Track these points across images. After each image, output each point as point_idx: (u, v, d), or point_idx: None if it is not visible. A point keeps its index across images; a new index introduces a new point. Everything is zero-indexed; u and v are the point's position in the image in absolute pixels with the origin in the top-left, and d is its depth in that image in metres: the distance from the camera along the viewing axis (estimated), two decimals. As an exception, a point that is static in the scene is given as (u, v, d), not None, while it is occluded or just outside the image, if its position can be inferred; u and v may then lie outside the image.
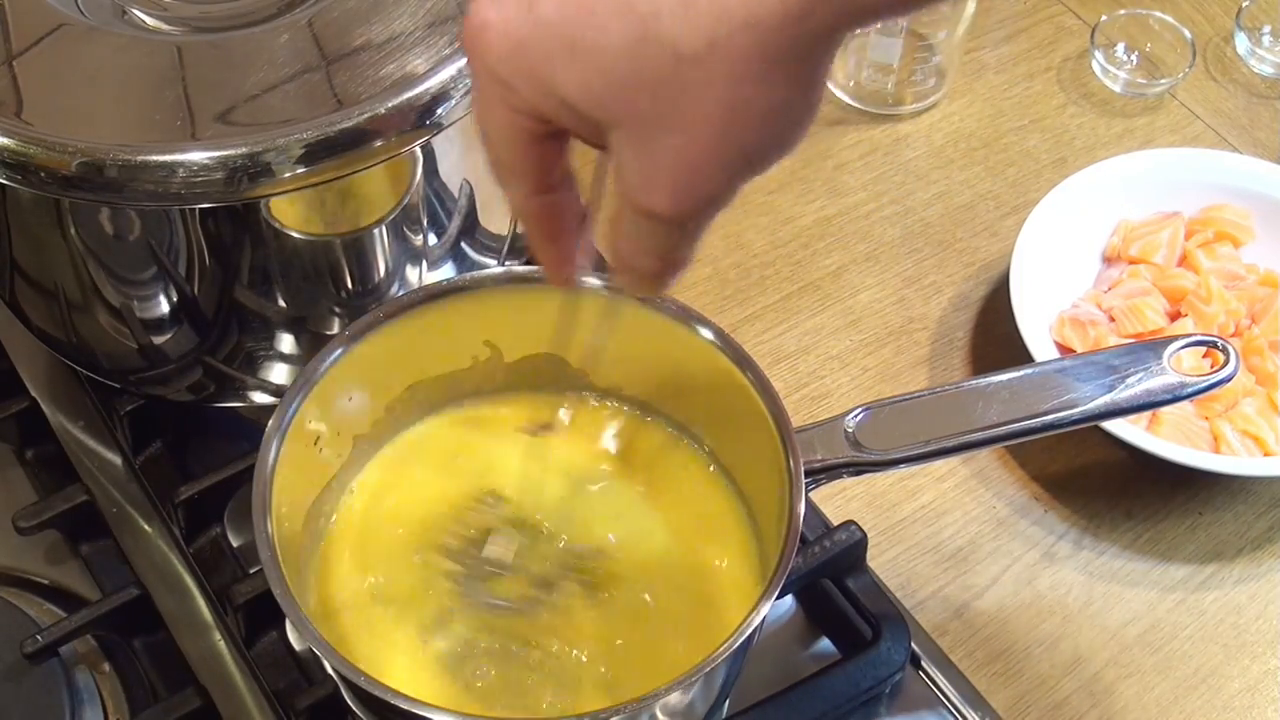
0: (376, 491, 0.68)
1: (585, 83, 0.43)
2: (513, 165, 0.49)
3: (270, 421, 0.62)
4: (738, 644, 0.56)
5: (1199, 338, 0.65)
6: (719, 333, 0.64)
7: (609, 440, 0.70)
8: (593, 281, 0.61)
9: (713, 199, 0.45)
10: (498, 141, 0.48)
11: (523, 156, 0.48)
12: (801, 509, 0.59)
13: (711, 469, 0.69)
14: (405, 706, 0.54)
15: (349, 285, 0.71)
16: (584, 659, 0.63)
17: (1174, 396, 0.63)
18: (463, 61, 0.65)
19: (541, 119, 0.46)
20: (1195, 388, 0.63)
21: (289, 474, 0.62)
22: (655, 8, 0.41)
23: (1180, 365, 0.63)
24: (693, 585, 0.65)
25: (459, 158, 0.70)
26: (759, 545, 0.66)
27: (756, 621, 0.56)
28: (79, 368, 0.78)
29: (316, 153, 0.63)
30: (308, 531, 0.65)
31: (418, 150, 0.67)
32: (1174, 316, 0.86)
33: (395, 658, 0.63)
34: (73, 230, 0.67)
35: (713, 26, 0.40)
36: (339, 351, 0.64)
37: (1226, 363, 0.63)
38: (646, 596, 0.64)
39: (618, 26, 0.41)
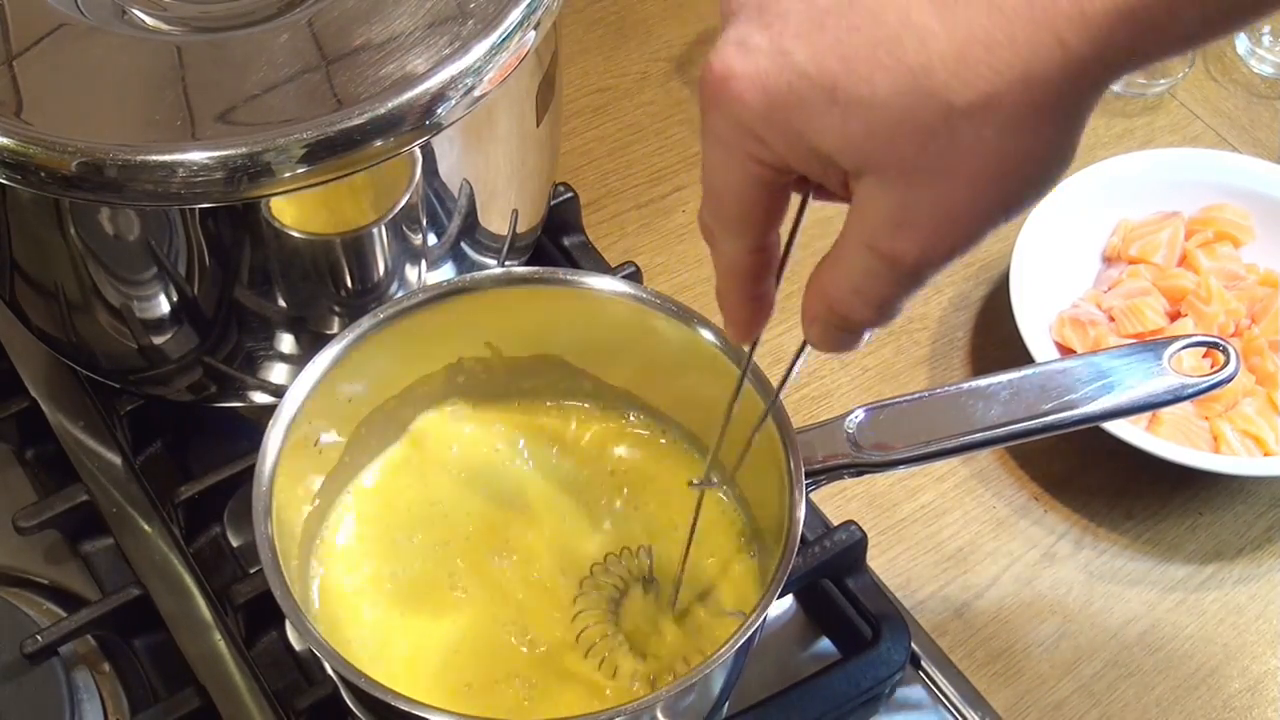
0: (376, 492, 0.68)
1: (846, 133, 0.43)
2: (743, 217, 0.48)
3: (270, 422, 0.62)
4: (739, 644, 0.56)
5: (1199, 338, 0.65)
6: (720, 334, 0.64)
7: (608, 441, 0.70)
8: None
9: (963, 247, 0.45)
10: (732, 193, 0.47)
11: (756, 208, 0.48)
12: (802, 510, 0.59)
13: (711, 469, 0.69)
14: (405, 708, 0.54)
15: (349, 285, 0.71)
16: (584, 660, 0.63)
17: (1175, 397, 0.63)
18: (463, 62, 0.65)
19: (781, 168, 0.46)
20: (1196, 388, 0.63)
21: (290, 475, 0.62)
22: (927, 61, 0.41)
23: (1181, 366, 0.63)
24: (693, 586, 0.65)
25: (459, 158, 0.70)
26: (759, 545, 0.65)
27: (757, 622, 0.56)
28: (79, 368, 0.78)
29: (316, 153, 0.63)
30: (308, 532, 0.65)
31: (417, 150, 0.66)
32: (1174, 316, 0.86)
33: (395, 658, 0.63)
34: (73, 230, 0.67)
35: (990, 80, 0.40)
36: (339, 352, 0.64)
37: (1227, 363, 0.63)
38: (647, 597, 0.64)
39: (884, 78, 0.41)
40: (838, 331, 0.49)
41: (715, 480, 0.63)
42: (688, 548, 0.62)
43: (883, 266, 0.45)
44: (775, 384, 0.60)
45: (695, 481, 0.63)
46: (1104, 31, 0.39)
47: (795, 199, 0.49)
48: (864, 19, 0.41)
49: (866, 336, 0.49)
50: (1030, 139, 0.42)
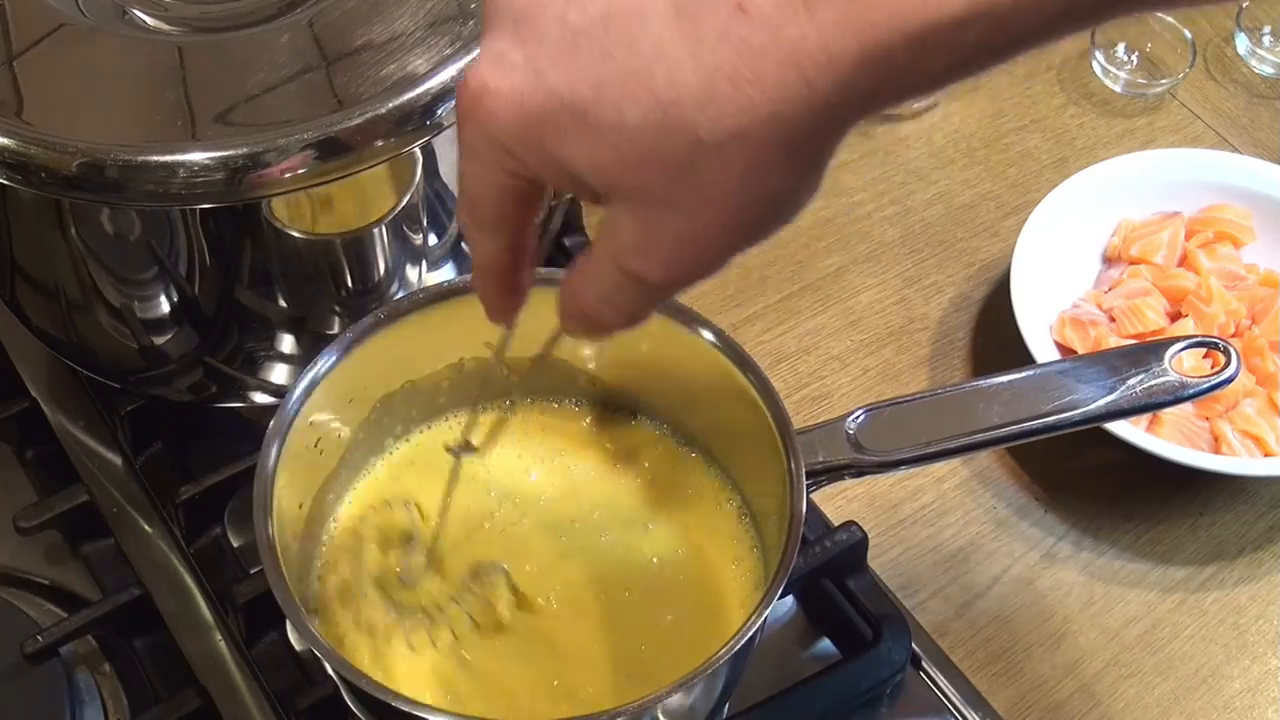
0: (377, 492, 0.68)
1: (595, 158, 0.43)
2: (499, 221, 0.49)
3: (271, 422, 0.62)
4: (740, 645, 0.56)
5: (1200, 338, 0.65)
6: (719, 334, 0.64)
7: (608, 442, 0.70)
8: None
9: (708, 270, 0.45)
10: (487, 200, 0.48)
11: (509, 213, 0.48)
12: (803, 510, 0.59)
13: (711, 470, 0.69)
14: (406, 709, 0.54)
15: (349, 285, 0.71)
16: (586, 661, 0.63)
17: (1175, 398, 0.63)
18: (464, 62, 0.65)
19: (535, 180, 0.46)
20: (1197, 389, 0.63)
21: (290, 475, 0.62)
22: (676, 94, 0.41)
23: (1181, 366, 0.63)
24: (694, 586, 0.65)
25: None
26: (760, 545, 0.65)
27: (759, 623, 0.56)
28: (79, 368, 0.78)
29: (317, 153, 0.63)
30: (309, 533, 0.65)
31: (418, 150, 0.66)
32: (1174, 317, 0.86)
33: (396, 659, 0.63)
34: (73, 230, 0.67)
35: (736, 116, 0.40)
36: (339, 353, 0.64)
37: (1228, 364, 0.63)
38: (648, 598, 0.64)
39: (634, 108, 0.41)
40: (591, 329, 0.50)
41: (474, 446, 0.64)
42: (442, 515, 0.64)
43: (628, 283, 0.46)
44: (771, 384, 0.60)
45: (451, 447, 0.64)
46: (849, 75, 0.39)
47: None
48: (618, 46, 0.41)
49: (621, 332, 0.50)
50: (776, 176, 0.42)
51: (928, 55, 0.39)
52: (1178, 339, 0.64)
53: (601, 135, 0.42)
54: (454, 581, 0.64)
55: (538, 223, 0.50)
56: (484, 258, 0.51)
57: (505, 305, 0.54)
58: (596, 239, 0.46)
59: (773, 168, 0.42)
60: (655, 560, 0.65)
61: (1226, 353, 0.64)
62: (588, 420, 0.71)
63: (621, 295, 0.47)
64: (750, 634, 0.56)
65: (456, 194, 0.50)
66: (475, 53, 0.65)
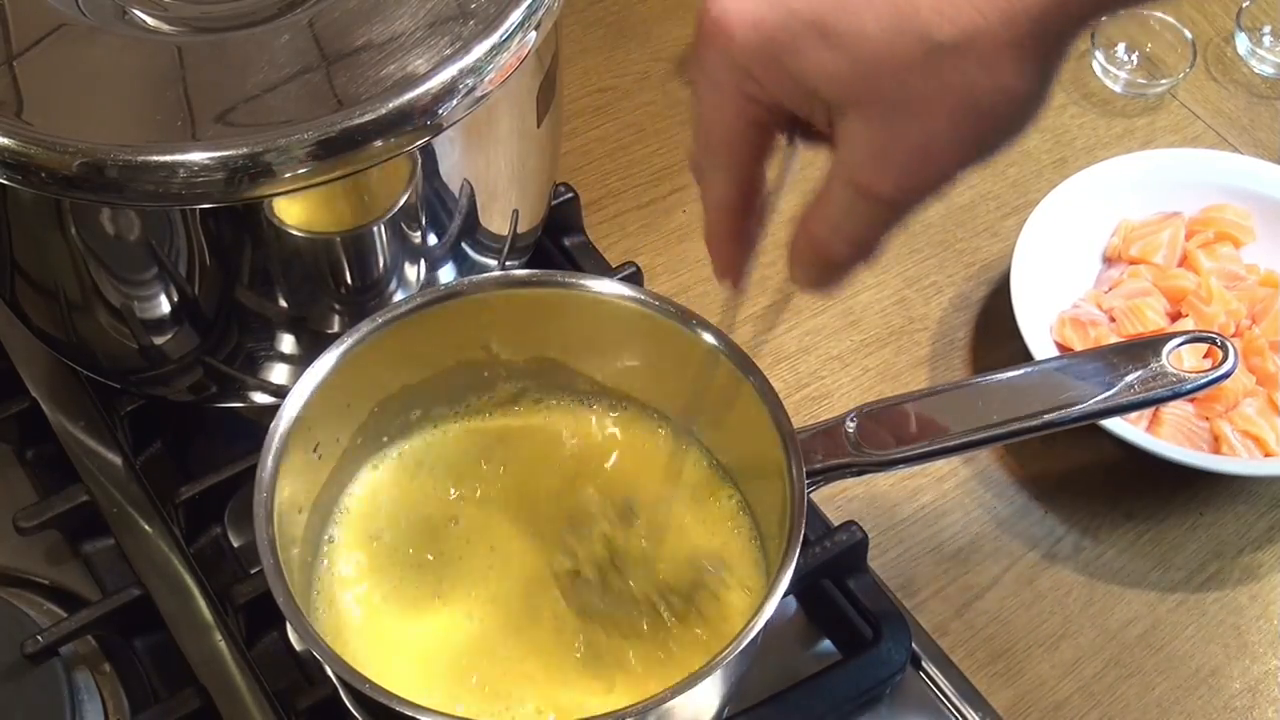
0: (377, 493, 0.68)
1: (834, 68, 0.45)
2: (732, 153, 0.50)
3: (271, 423, 0.62)
4: (742, 646, 0.56)
5: (1198, 333, 0.65)
6: (720, 336, 0.64)
7: (608, 443, 0.70)
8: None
9: (938, 184, 0.47)
10: (722, 129, 0.49)
11: (744, 144, 0.50)
12: (804, 511, 0.59)
13: (712, 470, 0.69)
14: (409, 712, 0.54)
15: (349, 285, 0.71)
16: (587, 662, 0.63)
17: (1174, 392, 0.63)
18: (464, 62, 0.65)
19: (771, 106, 0.48)
20: (1195, 384, 0.63)
21: (290, 476, 0.62)
22: (913, 2, 0.43)
23: (1180, 364, 0.63)
24: (695, 586, 0.65)
25: (459, 158, 0.70)
26: (761, 546, 0.66)
27: (760, 624, 0.56)
28: (79, 368, 0.78)
29: (317, 153, 0.63)
30: (309, 535, 0.65)
31: (418, 151, 0.66)
32: (1174, 317, 0.86)
33: (397, 660, 0.63)
34: (73, 230, 0.67)
35: (972, 16, 0.43)
36: (340, 354, 0.64)
37: (1225, 358, 0.63)
38: (648, 598, 0.64)
39: (872, 16, 0.43)
40: (821, 270, 0.51)
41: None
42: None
43: (861, 203, 0.47)
44: (771, 385, 0.60)
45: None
46: None
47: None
48: None
49: (851, 272, 0.52)
50: (1009, 75, 0.44)
51: None
52: (1176, 334, 0.64)
53: (840, 45, 0.44)
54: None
55: (764, 171, 0.51)
56: (716, 197, 0.52)
57: (734, 258, 0.54)
58: (830, 169, 0.48)
59: (1006, 67, 0.44)
60: (654, 558, 0.66)
61: (1224, 348, 0.64)
62: (585, 420, 0.71)
63: (853, 219, 0.48)
64: (753, 634, 0.56)
65: (692, 132, 0.51)
66: (476, 53, 0.66)
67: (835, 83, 0.45)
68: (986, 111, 0.45)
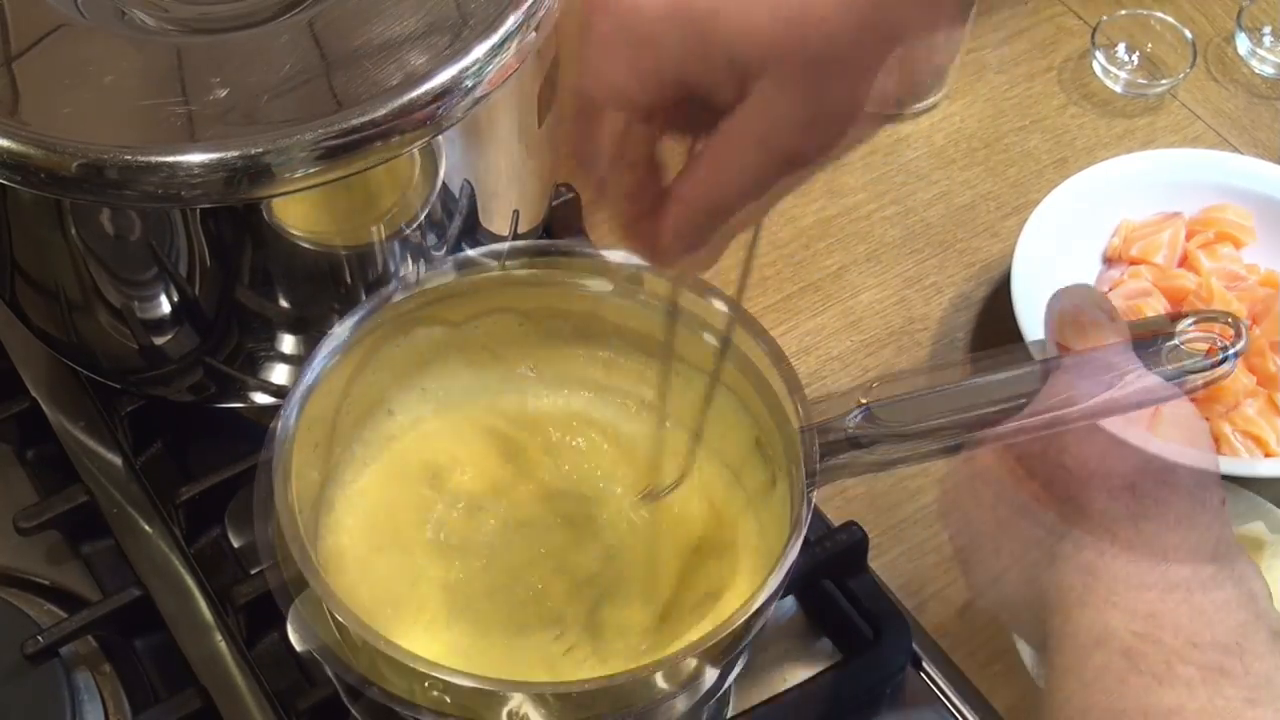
0: (378, 492, 0.68)
1: (750, 24, 0.42)
2: (617, 147, 0.48)
3: (272, 423, 0.61)
4: (734, 626, 0.56)
5: (1209, 312, 0.62)
6: (730, 301, 0.64)
7: (618, 431, 0.70)
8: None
9: (865, 137, 0.45)
10: (613, 103, 0.46)
11: (629, 132, 0.48)
12: (804, 510, 0.59)
13: (713, 471, 0.69)
14: (405, 710, 0.54)
15: (349, 285, 0.71)
16: (587, 662, 0.63)
17: (1182, 371, 0.61)
18: (464, 62, 0.65)
19: (671, 82, 0.45)
20: (1203, 365, 0.61)
21: (291, 476, 0.62)
22: None
23: (1180, 362, 0.63)
24: (695, 587, 0.65)
25: (460, 158, 0.70)
26: (762, 546, 0.65)
27: (760, 624, 0.56)
28: (79, 368, 0.78)
29: (317, 154, 0.63)
30: (310, 533, 0.65)
31: (418, 151, 0.67)
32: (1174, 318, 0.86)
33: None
34: (73, 230, 0.67)
35: None
36: (340, 351, 0.64)
37: (1238, 337, 0.61)
38: (648, 595, 0.64)
39: None
40: (703, 234, 0.48)
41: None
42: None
43: (774, 164, 0.45)
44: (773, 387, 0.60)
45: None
46: None
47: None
48: None
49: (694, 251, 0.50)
50: (951, 4, 0.42)
51: None
52: (1185, 314, 0.62)
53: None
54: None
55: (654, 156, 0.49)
56: (625, 188, 0.50)
57: (653, 248, 0.51)
58: (727, 132, 0.45)
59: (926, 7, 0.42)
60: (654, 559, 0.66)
61: (1235, 326, 0.62)
62: (587, 420, 0.71)
63: (759, 180, 0.45)
64: (748, 615, 0.56)
65: (574, 117, 0.48)
66: (476, 53, 0.66)
67: (751, 40, 0.42)
68: (920, 57, 0.43)
